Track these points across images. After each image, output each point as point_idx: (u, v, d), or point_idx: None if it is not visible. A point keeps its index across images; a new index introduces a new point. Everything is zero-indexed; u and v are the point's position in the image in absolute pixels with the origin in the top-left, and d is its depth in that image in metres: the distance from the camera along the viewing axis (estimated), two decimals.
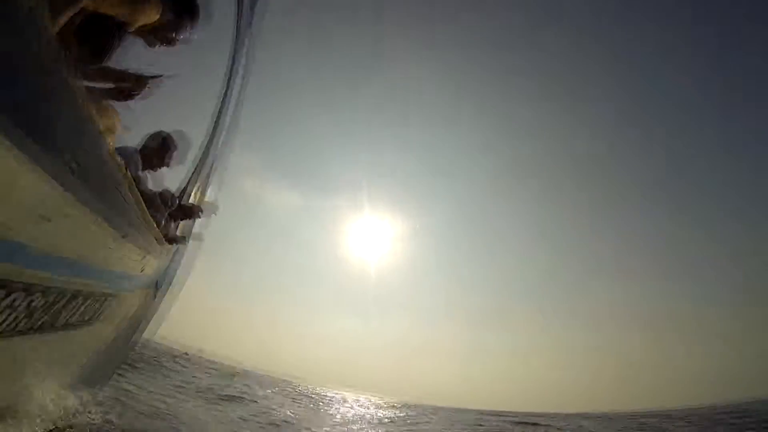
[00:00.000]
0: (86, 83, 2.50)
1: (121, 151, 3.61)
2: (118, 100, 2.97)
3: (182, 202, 4.49)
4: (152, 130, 4.07)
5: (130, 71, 2.85)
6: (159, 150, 4.00)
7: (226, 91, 5.86)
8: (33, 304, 1.95)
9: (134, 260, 3.11)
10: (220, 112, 5.82)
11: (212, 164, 5.87)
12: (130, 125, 3.09)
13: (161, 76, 3.05)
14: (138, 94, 2.99)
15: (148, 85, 2.99)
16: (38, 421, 3.10)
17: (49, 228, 1.63)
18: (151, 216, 3.44)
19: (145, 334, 5.63)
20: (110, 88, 2.86)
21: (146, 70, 2.96)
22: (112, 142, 2.88)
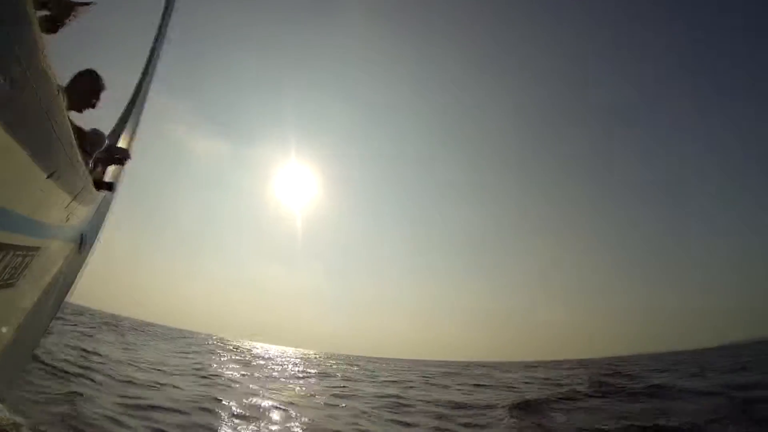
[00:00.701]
0: None
1: None
2: (43, 31, 2.49)
3: (111, 145, 3.94)
4: (79, 67, 3.50)
5: None
6: (87, 90, 3.42)
7: (158, 33, 5.38)
8: None
9: (58, 206, 2.64)
10: (152, 53, 5.33)
11: (141, 108, 5.39)
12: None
13: (90, 3, 2.60)
14: (63, 25, 2.54)
15: (74, 14, 2.55)
16: None
17: None
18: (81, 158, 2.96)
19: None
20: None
21: None
22: None
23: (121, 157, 4.15)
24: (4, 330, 2.98)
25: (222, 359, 21.11)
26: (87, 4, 2.58)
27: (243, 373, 15.53)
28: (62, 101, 1.60)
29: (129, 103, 5.36)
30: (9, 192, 1.75)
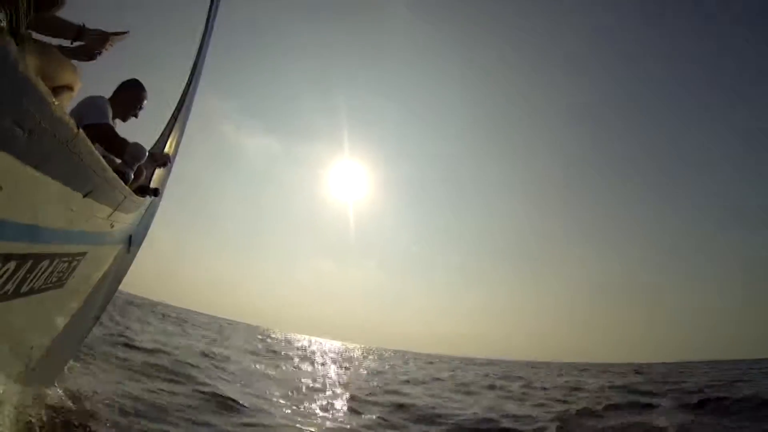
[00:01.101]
0: (36, 36, 2.29)
1: (89, 101, 3.35)
2: (80, 59, 2.75)
3: (153, 152, 4.25)
4: (128, 75, 3.85)
5: (88, 27, 2.63)
6: (129, 100, 3.73)
7: (203, 36, 5.63)
8: None
9: (101, 218, 2.96)
10: (197, 57, 5.62)
11: (188, 112, 5.72)
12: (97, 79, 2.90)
13: (125, 32, 2.82)
14: (100, 54, 2.78)
15: (110, 43, 2.77)
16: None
17: (2, 196, 1.57)
18: (120, 170, 3.25)
19: (121, 288, 5.56)
20: (71, 48, 2.64)
21: (108, 27, 2.76)
22: (70, 99, 2.68)
23: (161, 162, 4.47)
24: (55, 324, 3.36)
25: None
26: (122, 33, 2.79)
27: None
28: (83, 135, 1.83)
29: (176, 106, 5.68)
30: (44, 213, 2.03)
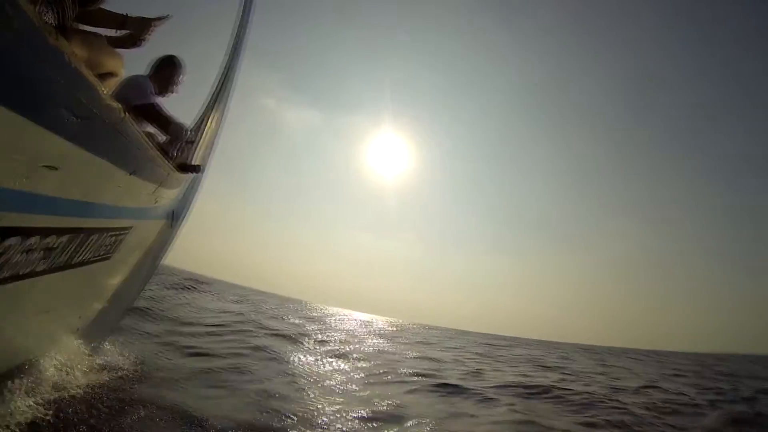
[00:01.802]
0: (82, 27, 2.42)
1: (132, 81, 3.46)
2: (127, 47, 2.88)
3: (194, 129, 4.36)
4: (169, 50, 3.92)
5: (130, 15, 2.74)
6: (166, 76, 3.81)
7: (244, 10, 5.65)
8: (48, 245, 2.00)
9: (146, 194, 3.10)
10: (238, 33, 5.65)
11: (231, 87, 5.79)
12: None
13: (166, 16, 2.91)
14: (144, 40, 2.89)
15: (153, 28, 2.87)
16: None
17: (56, 176, 1.69)
18: (164, 147, 3.36)
19: (165, 261, 5.79)
20: (116, 37, 2.77)
21: (148, 12, 2.89)
22: (116, 84, 2.80)
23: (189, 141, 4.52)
24: (102, 295, 3.57)
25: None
26: (163, 18, 2.87)
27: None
28: (129, 118, 1.94)
29: (218, 82, 5.76)
30: (94, 190, 2.16)
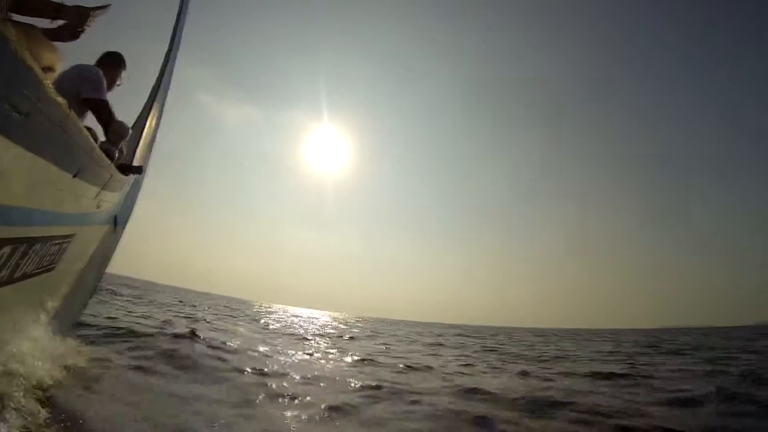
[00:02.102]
0: (16, 17, 2.18)
1: (86, 72, 3.23)
2: (63, 40, 2.65)
3: (134, 127, 4.13)
4: (108, 46, 3.69)
5: (66, 4, 2.50)
6: (110, 70, 3.56)
7: (181, 5, 5.42)
8: None
9: (88, 198, 2.91)
10: (175, 28, 5.41)
11: (168, 85, 5.57)
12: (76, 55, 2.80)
13: (107, 6, 2.73)
14: (83, 31, 2.66)
15: (92, 19, 2.65)
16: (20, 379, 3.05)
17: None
18: (105, 148, 3.15)
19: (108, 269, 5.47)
20: (53, 29, 2.52)
21: (85, 1, 2.66)
22: (52, 79, 2.57)
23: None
24: (48, 307, 3.32)
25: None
26: (103, 7, 2.67)
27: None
28: (74, 115, 1.79)
29: (156, 80, 5.50)
30: (35, 195, 1.99)
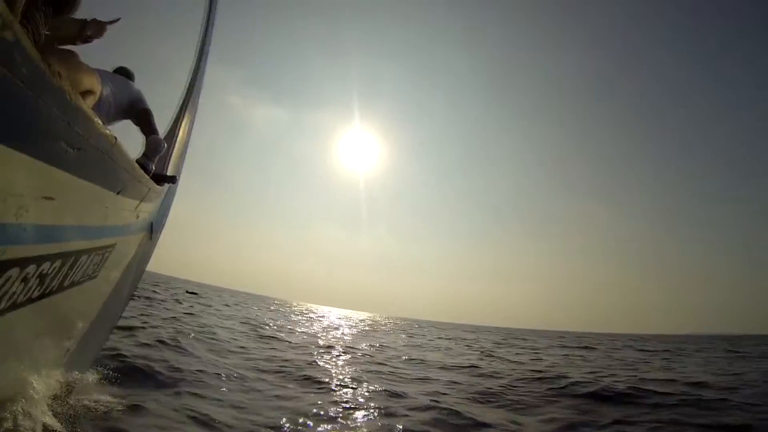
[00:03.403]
0: (56, 44, 2.40)
1: (129, 84, 3.57)
2: (75, 44, 2.91)
3: (167, 137, 4.36)
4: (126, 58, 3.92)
5: (88, 21, 2.79)
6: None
7: (209, 11, 5.59)
8: (43, 272, 2.02)
9: (129, 210, 3.11)
10: (204, 34, 5.59)
11: (199, 91, 5.77)
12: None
13: (118, 19, 3.03)
14: (95, 38, 2.95)
15: (106, 29, 2.95)
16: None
17: (53, 205, 1.75)
18: (143, 163, 3.37)
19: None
20: (68, 36, 2.80)
21: (102, 16, 2.96)
22: (93, 103, 2.81)
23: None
24: (90, 313, 3.55)
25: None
26: (115, 21, 2.98)
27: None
28: (119, 144, 1.98)
29: (186, 89, 5.70)
30: (84, 213, 2.19)
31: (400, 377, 8.10)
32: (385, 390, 6.37)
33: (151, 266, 5.83)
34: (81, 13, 2.74)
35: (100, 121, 1.73)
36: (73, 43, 2.93)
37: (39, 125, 1.43)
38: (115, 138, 1.94)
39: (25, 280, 1.89)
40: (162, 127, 5.24)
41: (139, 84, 3.85)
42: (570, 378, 8.39)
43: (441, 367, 10.32)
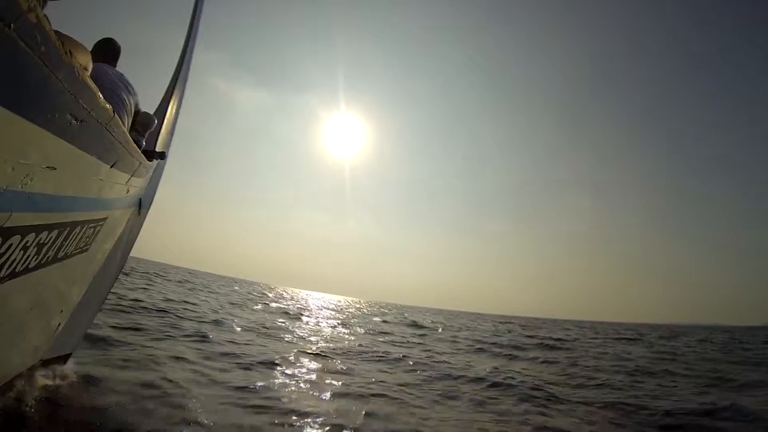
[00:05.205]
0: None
1: (122, 77, 3.46)
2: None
3: (158, 114, 4.34)
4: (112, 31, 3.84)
5: None
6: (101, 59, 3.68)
7: None
8: (41, 241, 2.07)
9: (120, 184, 3.13)
10: (193, 16, 5.56)
11: (188, 71, 5.75)
12: None
13: None
14: None
15: None
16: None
17: (55, 174, 1.80)
18: (135, 138, 3.38)
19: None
20: None
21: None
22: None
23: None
24: (81, 287, 3.58)
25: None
26: None
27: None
28: (117, 119, 2.03)
29: (176, 69, 5.68)
30: (81, 185, 2.23)
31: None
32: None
33: (139, 250, 5.86)
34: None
35: (101, 95, 1.79)
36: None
37: (51, 98, 1.50)
38: (114, 111, 1.99)
39: (24, 248, 1.93)
40: (153, 104, 5.22)
41: (131, 61, 3.77)
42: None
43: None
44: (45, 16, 1.41)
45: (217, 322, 10.98)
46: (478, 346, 14.82)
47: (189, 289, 22.22)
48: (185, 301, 14.81)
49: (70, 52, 1.44)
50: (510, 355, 13.06)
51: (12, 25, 1.11)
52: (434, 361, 9.72)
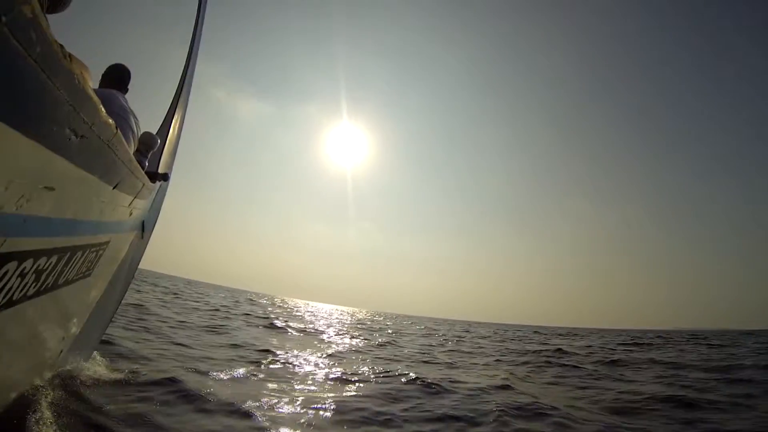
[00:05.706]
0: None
1: (121, 100, 3.34)
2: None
3: (160, 134, 4.27)
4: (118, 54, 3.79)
5: None
6: (124, 83, 3.65)
7: (199, 11, 5.55)
8: (39, 267, 1.95)
9: (123, 206, 3.04)
10: (194, 34, 5.54)
11: (189, 90, 5.71)
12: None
13: None
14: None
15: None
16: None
17: (53, 195, 1.67)
18: (138, 159, 3.29)
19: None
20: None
21: (95, 15, 2.81)
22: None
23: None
24: (84, 312, 3.46)
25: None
26: None
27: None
28: (120, 136, 1.92)
29: (177, 87, 5.64)
30: (83, 207, 2.11)
31: None
32: None
33: (145, 263, 5.71)
34: (73, 9, 2.63)
35: (103, 109, 1.65)
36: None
37: (47, 108, 1.34)
38: (117, 128, 1.86)
39: (22, 275, 1.81)
40: (155, 124, 5.17)
41: (132, 80, 3.65)
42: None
43: None
44: (42, 12, 1.30)
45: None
46: None
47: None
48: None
49: (69, 56, 1.30)
50: None
51: (3, 18, 0.95)
52: None
